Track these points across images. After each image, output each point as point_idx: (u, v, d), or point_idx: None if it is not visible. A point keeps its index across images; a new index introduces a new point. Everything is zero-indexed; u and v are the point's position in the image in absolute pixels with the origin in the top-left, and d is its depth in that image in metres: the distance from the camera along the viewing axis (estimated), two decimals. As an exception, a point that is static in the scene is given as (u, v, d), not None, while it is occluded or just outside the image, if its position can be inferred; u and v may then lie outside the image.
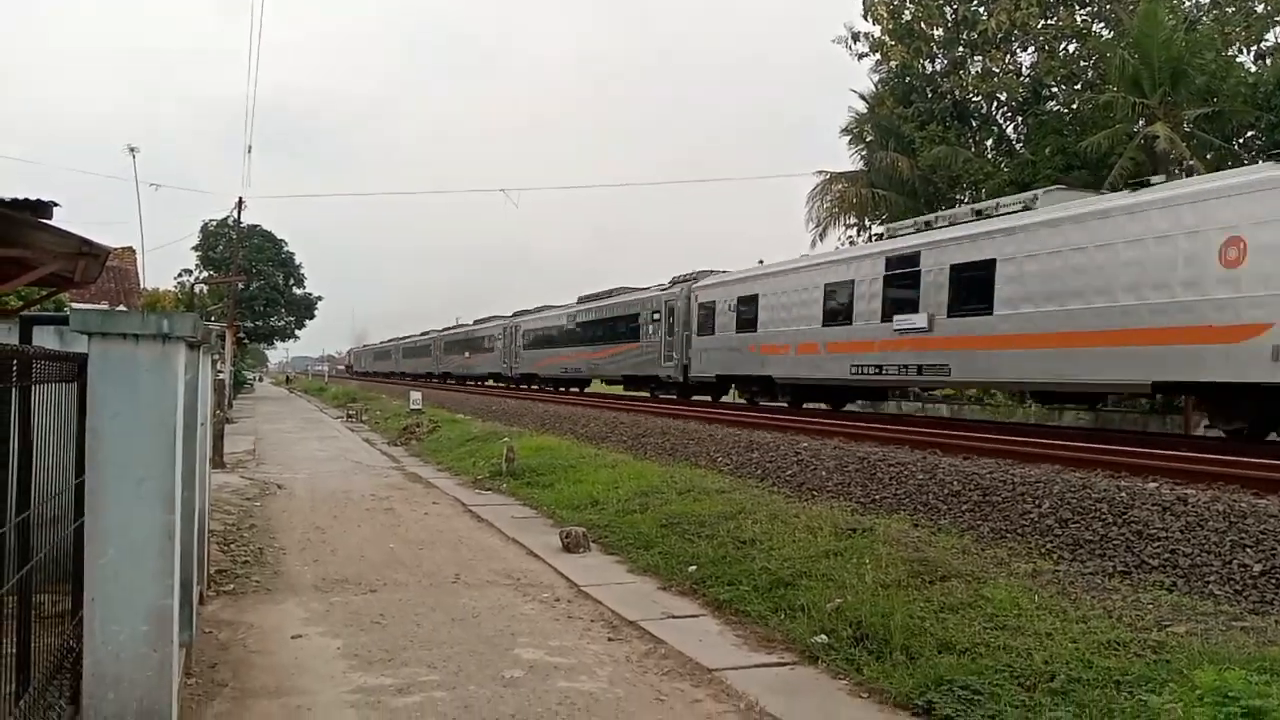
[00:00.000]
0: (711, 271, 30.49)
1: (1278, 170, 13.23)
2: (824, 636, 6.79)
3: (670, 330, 30.94)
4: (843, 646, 6.59)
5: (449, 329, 67.80)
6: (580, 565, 9.77)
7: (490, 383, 54.89)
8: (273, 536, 11.16)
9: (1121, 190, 17.30)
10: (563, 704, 5.70)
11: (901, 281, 19.99)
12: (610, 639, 7.21)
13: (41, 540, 4.36)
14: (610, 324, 36.71)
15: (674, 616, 7.81)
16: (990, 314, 17.42)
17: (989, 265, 17.55)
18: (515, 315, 50.69)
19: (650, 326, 32.67)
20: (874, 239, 34.41)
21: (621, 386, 38.33)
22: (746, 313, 26.00)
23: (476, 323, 59.96)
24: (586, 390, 42.54)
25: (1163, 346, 14.11)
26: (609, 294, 38.46)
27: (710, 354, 28.07)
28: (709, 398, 30.61)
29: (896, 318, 19.82)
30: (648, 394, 34.27)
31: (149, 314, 4.37)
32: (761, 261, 27.81)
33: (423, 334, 77.38)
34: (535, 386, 45.71)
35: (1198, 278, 13.59)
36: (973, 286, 17.93)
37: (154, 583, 4.25)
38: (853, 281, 21.61)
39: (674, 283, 32.15)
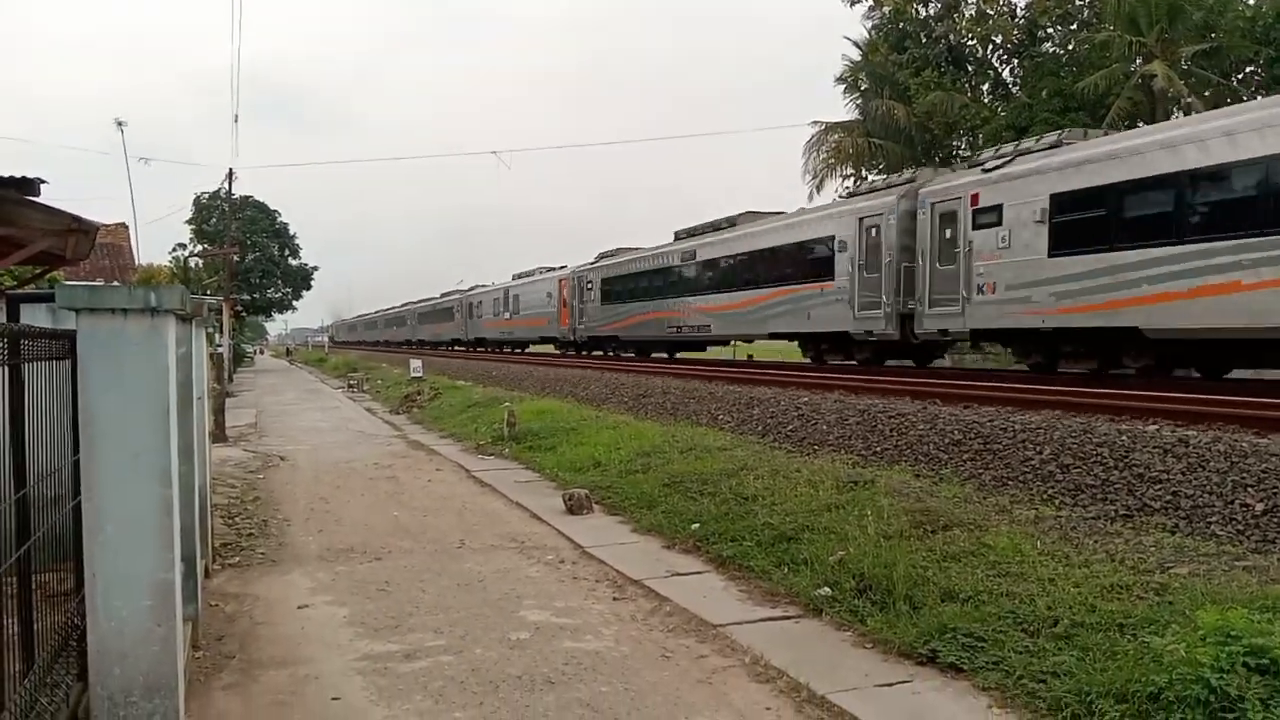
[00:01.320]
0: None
1: None
2: (827, 589, 6.82)
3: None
4: (846, 598, 6.61)
5: (418, 301, 78.17)
6: (584, 526, 9.80)
7: (456, 347, 60.97)
8: (276, 508, 11.19)
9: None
10: (569, 664, 5.73)
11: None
12: (615, 598, 7.24)
13: (41, 519, 4.36)
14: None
15: (678, 574, 7.84)
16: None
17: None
18: (471, 290, 59.06)
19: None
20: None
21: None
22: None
23: (442, 295, 67.00)
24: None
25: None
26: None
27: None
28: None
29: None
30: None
31: (136, 288, 4.33)
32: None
33: (397, 306, 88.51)
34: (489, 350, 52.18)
35: None
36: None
37: (154, 557, 4.24)
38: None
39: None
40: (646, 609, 6.94)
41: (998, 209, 17.35)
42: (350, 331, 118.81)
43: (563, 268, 42.64)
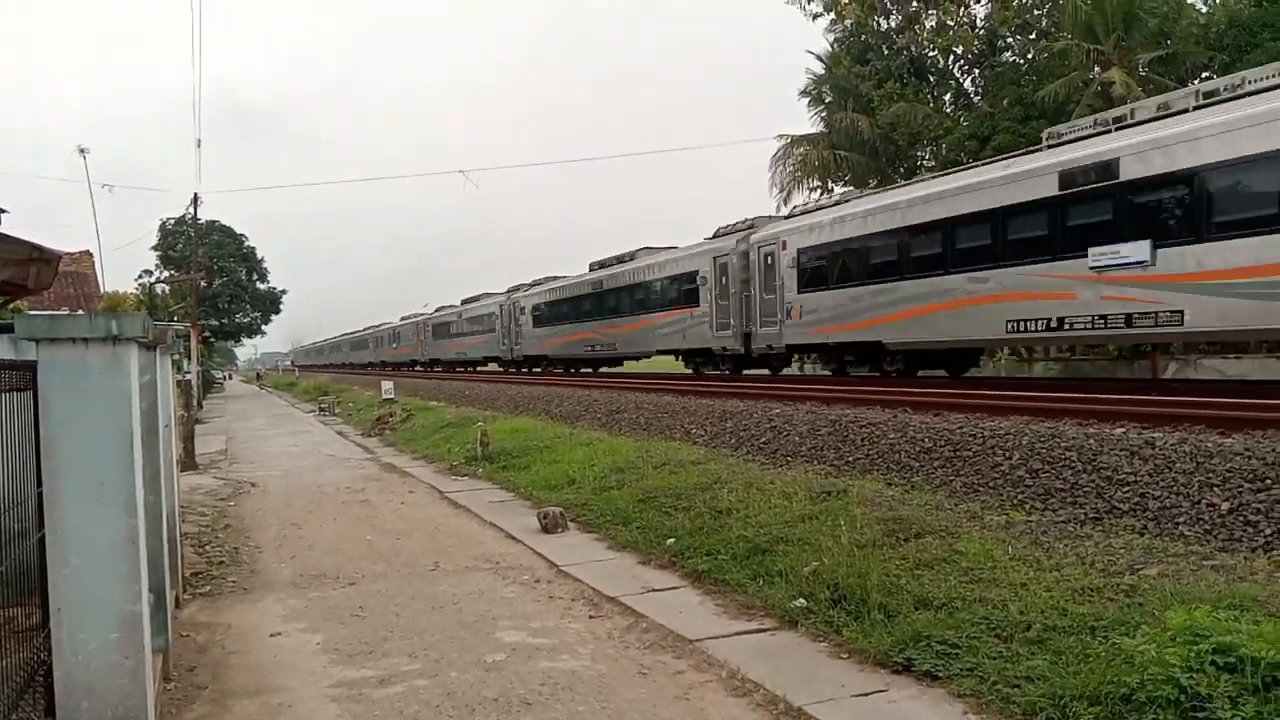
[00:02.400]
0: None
1: None
2: (802, 600, 6.83)
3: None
4: (821, 609, 6.62)
5: (380, 325, 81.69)
6: (559, 545, 9.77)
7: (416, 368, 64.46)
8: (248, 535, 11.07)
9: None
10: (545, 684, 5.70)
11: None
12: (591, 616, 7.21)
13: (5, 553, 4.29)
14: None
15: (654, 590, 7.83)
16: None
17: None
18: (428, 313, 61.93)
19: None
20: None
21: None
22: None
23: (401, 319, 70.28)
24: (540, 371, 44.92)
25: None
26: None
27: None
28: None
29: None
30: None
31: (97, 316, 4.29)
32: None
33: (361, 330, 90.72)
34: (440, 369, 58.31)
35: None
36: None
37: (121, 589, 4.20)
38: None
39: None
40: (623, 626, 6.92)
41: (795, 252, 22.73)
42: (318, 355, 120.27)
43: (509, 290, 46.77)
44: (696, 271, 27.43)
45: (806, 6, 42.78)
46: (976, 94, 41.71)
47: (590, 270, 36.98)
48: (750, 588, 7.42)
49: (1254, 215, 12.62)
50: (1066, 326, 15.39)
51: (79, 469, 4.12)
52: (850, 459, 11.53)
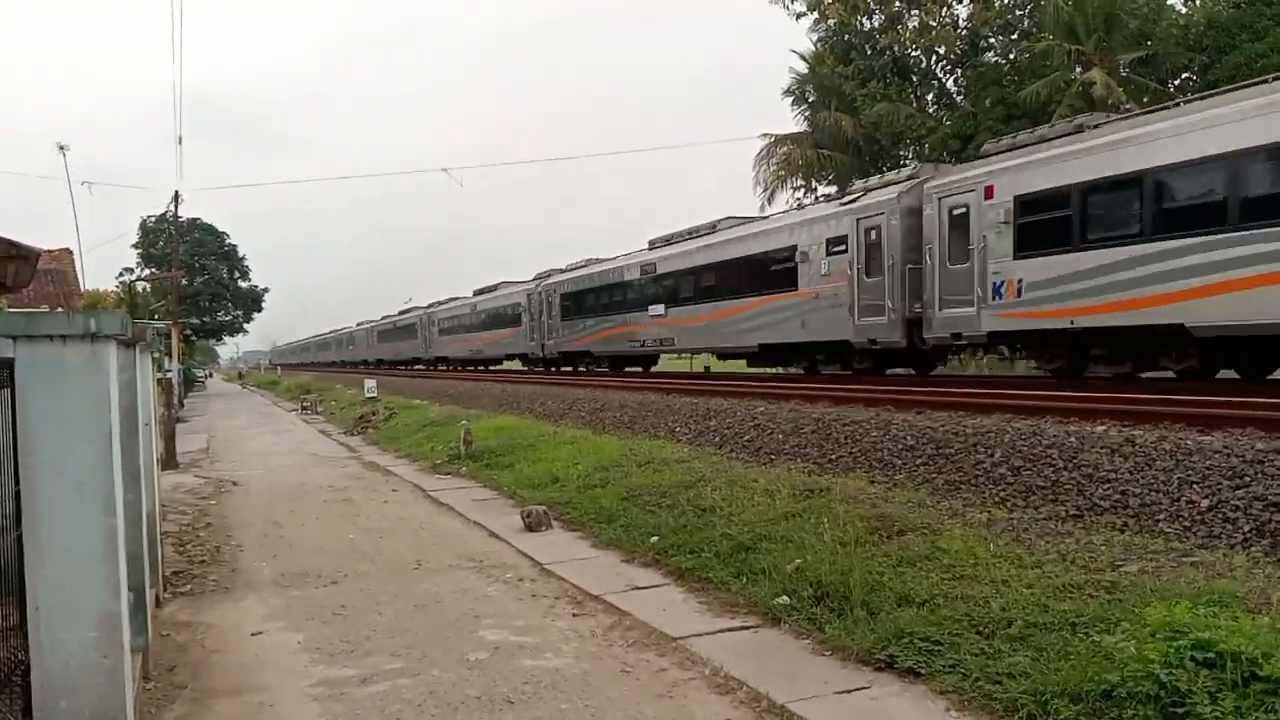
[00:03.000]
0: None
1: None
2: (785, 598, 6.84)
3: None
4: (804, 606, 6.64)
5: (335, 331, 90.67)
6: (543, 543, 9.75)
7: (416, 366, 64.14)
8: (229, 534, 11.01)
9: None
10: (529, 682, 5.69)
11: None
12: (575, 615, 7.21)
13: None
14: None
15: (638, 588, 7.83)
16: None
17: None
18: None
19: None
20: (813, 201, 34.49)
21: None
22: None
23: (400, 312, 69.91)
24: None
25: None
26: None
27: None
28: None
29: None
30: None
31: (75, 314, 4.25)
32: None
33: (351, 326, 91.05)
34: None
35: None
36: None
37: (99, 588, 4.16)
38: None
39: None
40: (606, 624, 6.92)
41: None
42: (303, 353, 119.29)
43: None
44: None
45: (790, 6, 42.81)
46: (959, 94, 41.89)
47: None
48: (734, 585, 7.43)
49: None
50: None
51: (57, 467, 4.09)
52: (833, 457, 11.56)
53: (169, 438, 17.60)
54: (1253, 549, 6.72)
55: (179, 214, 44.07)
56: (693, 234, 28.71)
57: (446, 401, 28.77)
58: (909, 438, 11.01)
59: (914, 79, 42.55)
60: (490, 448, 16.39)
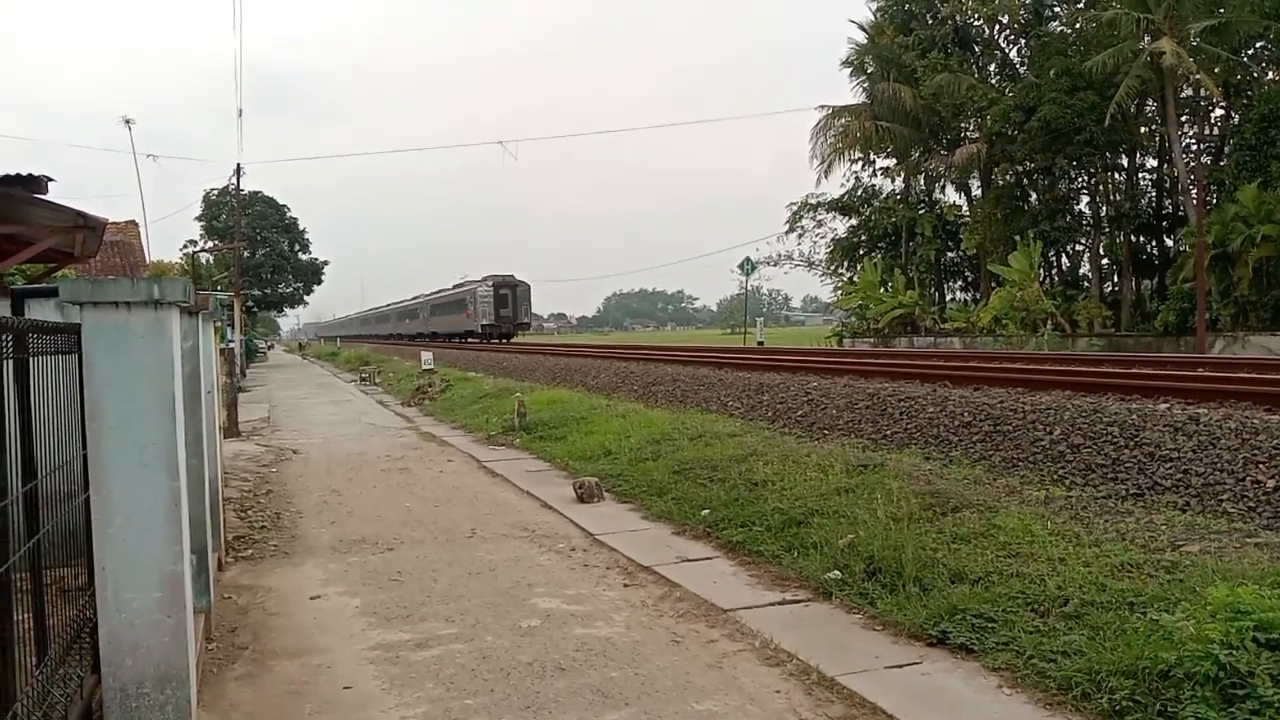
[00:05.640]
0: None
1: None
2: (837, 573, 6.82)
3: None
4: (856, 582, 6.61)
5: (433, 293, 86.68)
6: (594, 514, 9.82)
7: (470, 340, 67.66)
8: (289, 501, 11.24)
9: None
10: (580, 650, 5.74)
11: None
12: (626, 585, 7.25)
13: (52, 514, 4.38)
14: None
15: (688, 560, 7.85)
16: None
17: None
18: (415, 298, 76.69)
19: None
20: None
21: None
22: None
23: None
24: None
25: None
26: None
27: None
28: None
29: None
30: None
31: (139, 281, 4.33)
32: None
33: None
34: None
35: None
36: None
37: (163, 549, 4.26)
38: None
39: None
40: (657, 595, 6.95)
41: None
42: (363, 325, 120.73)
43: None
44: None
45: (850, -25, 42.11)
46: (1022, 64, 40.94)
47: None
48: (784, 559, 7.42)
49: None
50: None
51: (122, 432, 4.18)
52: (888, 433, 11.47)
53: (231, 406, 17.97)
54: (1321, 531, 6.55)
55: (240, 187, 44.74)
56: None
57: (501, 375, 29.01)
58: (966, 414, 10.88)
59: (976, 49, 41.70)
60: (543, 420, 16.51)
